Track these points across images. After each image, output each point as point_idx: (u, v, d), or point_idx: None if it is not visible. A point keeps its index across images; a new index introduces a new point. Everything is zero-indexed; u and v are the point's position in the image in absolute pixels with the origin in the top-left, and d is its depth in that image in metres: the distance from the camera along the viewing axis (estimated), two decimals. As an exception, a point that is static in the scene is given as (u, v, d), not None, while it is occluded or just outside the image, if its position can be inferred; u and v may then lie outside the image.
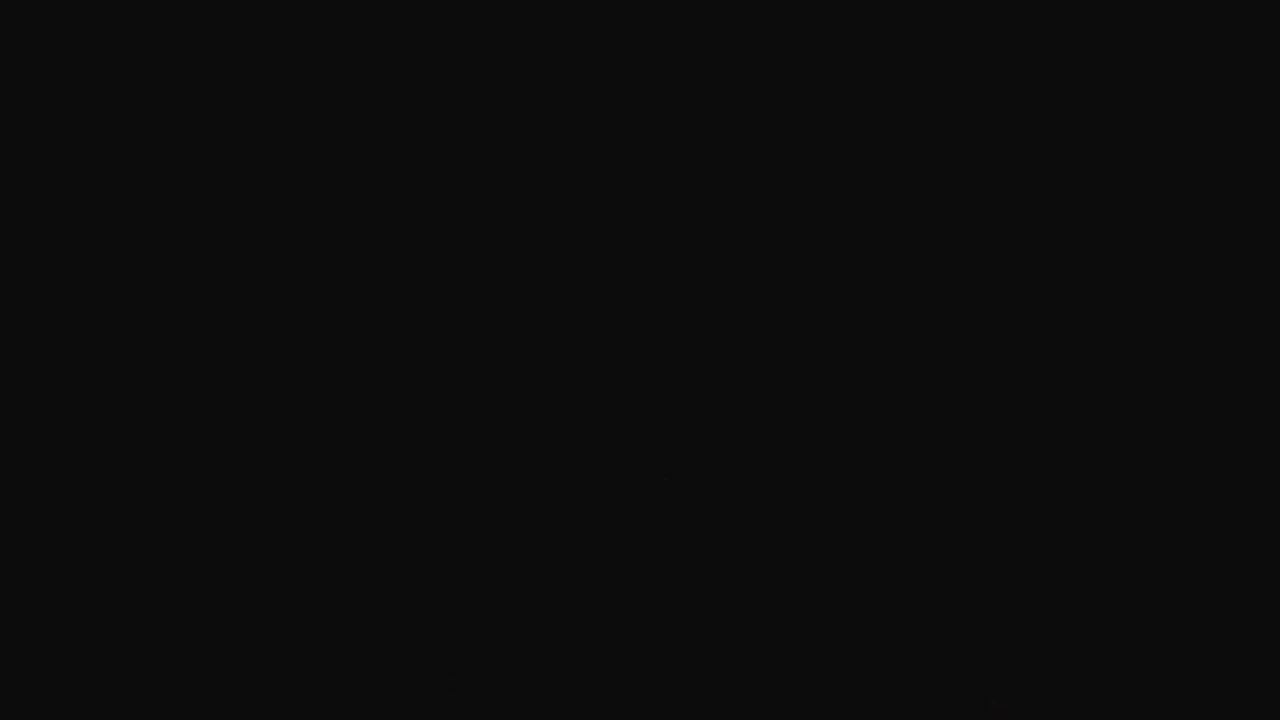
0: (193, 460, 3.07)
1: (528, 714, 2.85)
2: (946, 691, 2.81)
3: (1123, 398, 3.14)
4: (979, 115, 3.26)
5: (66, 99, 3.18)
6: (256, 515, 3.03)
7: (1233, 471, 3.04)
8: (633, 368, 3.22)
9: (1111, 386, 3.16)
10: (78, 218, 3.17)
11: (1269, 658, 2.82)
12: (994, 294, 3.25)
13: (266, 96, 3.24)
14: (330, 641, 2.88)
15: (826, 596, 2.97)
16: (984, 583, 2.97)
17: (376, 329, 3.21)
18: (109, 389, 3.10)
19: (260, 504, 3.04)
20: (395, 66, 3.26)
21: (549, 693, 2.85)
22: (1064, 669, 2.86)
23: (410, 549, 3.01)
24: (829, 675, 2.88)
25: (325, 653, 2.86)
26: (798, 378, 3.22)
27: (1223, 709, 2.77)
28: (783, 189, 3.29)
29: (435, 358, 3.21)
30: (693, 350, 3.26)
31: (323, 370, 3.17)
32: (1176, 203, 3.20)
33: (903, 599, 2.96)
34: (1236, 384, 3.10)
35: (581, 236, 3.27)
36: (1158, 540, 2.99)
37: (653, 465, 3.10)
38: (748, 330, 3.26)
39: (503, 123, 3.29)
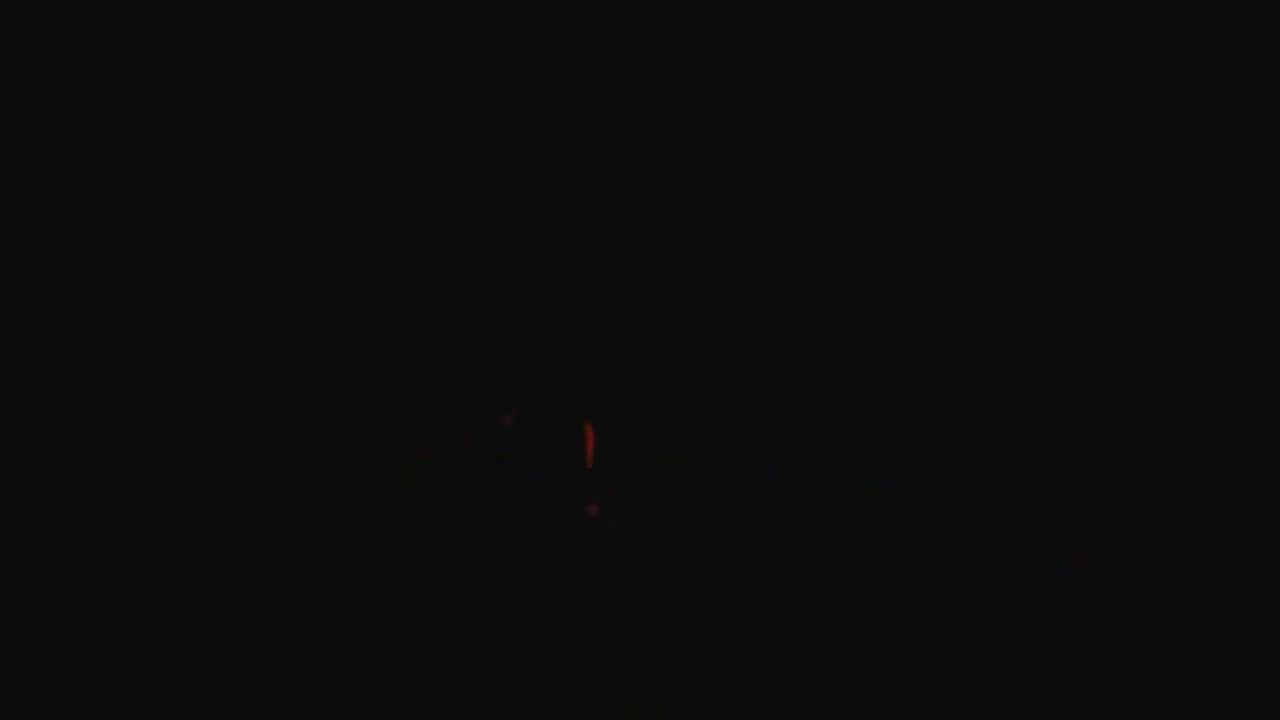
0: (189, 458, 3.07)
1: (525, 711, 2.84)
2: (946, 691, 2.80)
3: (1119, 396, 3.14)
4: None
5: (66, 99, 3.18)
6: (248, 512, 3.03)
7: (1232, 471, 3.03)
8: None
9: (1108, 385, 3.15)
10: (77, 217, 3.18)
11: (1268, 657, 2.81)
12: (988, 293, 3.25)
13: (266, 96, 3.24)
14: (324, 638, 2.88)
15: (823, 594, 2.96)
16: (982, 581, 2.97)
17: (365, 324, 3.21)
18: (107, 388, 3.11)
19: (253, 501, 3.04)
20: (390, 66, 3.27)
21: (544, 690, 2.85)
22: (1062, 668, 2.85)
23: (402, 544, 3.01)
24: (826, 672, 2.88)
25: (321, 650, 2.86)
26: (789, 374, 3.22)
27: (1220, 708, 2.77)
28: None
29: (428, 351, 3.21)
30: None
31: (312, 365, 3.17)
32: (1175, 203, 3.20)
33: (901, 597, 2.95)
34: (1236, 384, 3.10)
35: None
36: (1154, 539, 2.99)
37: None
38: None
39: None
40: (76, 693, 2.75)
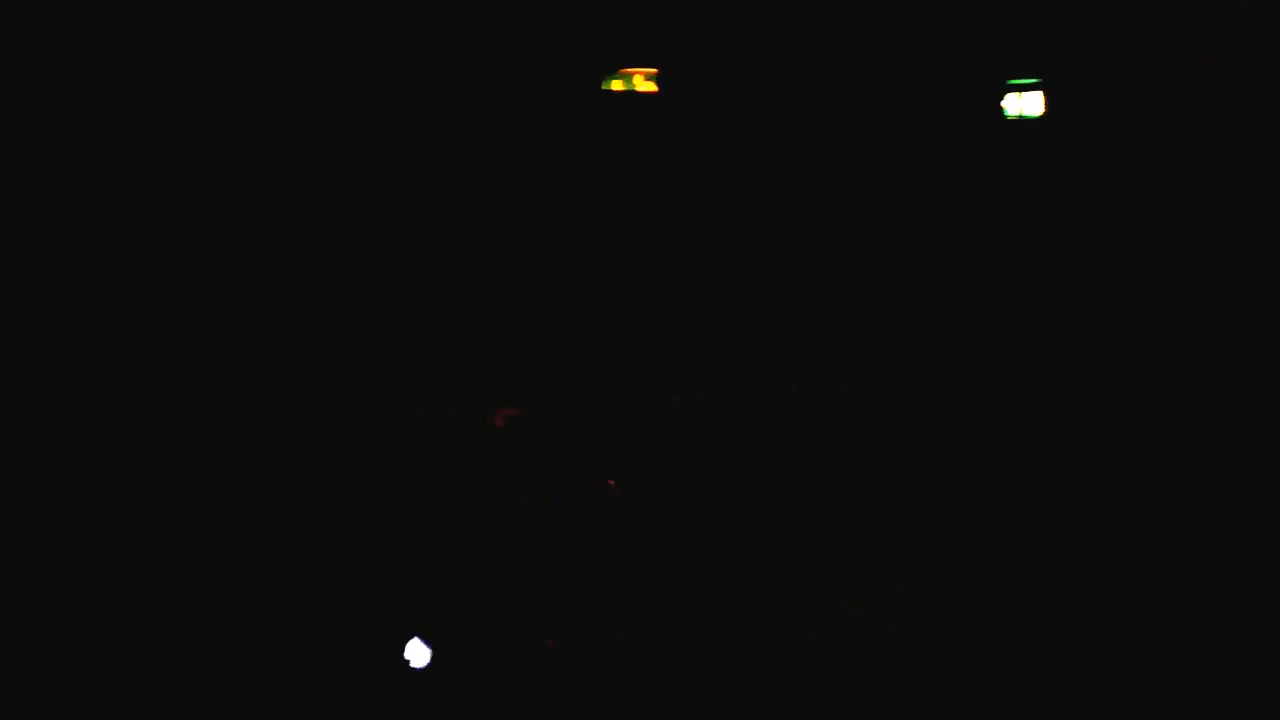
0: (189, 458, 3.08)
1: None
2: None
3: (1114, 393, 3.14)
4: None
5: (67, 98, 3.18)
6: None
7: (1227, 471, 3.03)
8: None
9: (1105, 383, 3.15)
10: (77, 217, 3.18)
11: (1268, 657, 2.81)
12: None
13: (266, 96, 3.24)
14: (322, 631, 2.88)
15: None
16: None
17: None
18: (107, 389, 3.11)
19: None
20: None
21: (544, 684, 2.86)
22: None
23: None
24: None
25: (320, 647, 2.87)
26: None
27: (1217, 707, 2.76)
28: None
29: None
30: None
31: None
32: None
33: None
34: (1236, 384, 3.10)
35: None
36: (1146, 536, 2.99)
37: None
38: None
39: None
40: (76, 692, 2.76)
